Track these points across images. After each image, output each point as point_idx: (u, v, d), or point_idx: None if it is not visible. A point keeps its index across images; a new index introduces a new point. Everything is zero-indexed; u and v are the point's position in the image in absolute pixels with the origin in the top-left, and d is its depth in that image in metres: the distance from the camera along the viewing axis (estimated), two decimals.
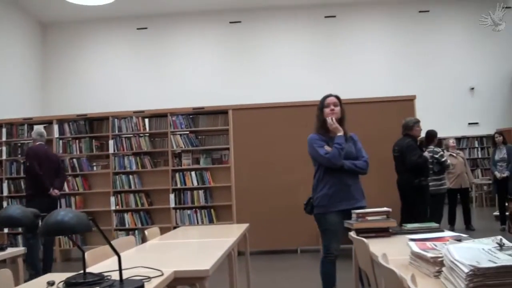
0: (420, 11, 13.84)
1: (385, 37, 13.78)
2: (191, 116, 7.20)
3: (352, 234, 2.66)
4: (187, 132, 7.18)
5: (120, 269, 1.76)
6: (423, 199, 5.79)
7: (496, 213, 8.55)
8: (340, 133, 3.41)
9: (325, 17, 13.71)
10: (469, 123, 13.50)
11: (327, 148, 3.41)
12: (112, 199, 7.08)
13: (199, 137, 7.19)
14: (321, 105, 3.55)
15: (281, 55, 13.58)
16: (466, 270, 1.26)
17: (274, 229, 6.54)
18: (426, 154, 6.12)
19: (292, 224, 6.44)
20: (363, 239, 2.37)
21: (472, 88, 13.66)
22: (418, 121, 5.86)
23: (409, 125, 5.84)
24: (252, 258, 6.15)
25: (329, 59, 13.55)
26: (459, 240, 1.78)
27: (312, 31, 13.75)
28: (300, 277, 5.29)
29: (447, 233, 2.40)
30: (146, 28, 13.64)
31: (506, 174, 7.55)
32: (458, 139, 12.79)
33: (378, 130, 6.12)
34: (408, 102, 6.73)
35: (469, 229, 7.90)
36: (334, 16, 13.74)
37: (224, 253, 2.63)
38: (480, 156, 13.31)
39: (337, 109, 3.48)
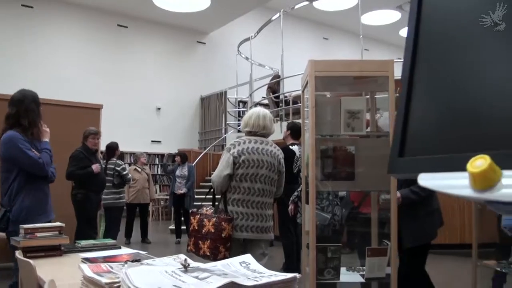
0: (118, 25, 13.85)
1: (82, 41, 13.17)
2: None
3: (18, 254, 2.17)
4: None
5: None
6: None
7: (172, 226, 9.03)
8: (47, 139, 3.10)
9: (22, 5, 12.19)
10: (153, 141, 14.15)
11: (35, 152, 2.97)
12: None
13: None
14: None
15: None
16: None
17: None
18: (103, 165, 5.93)
19: None
20: (30, 260, 1.98)
21: (159, 108, 14.43)
22: (93, 133, 5.64)
23: (85, 135, 5.67)
24: None
25: (23, 51, 12.06)
26: (138, 260, 1.57)
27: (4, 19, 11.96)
28: None
29: (125, 251, 2.20)
30: None
31: (183, 190, 8.04)
32: None
33: (63, 136, 5.61)
34: (95, 110, 6.40)
35: (145, 242, 8.09)
36: (32, 7, 12.34)
37: None
38: (160, 172, 14.07)
39: None
